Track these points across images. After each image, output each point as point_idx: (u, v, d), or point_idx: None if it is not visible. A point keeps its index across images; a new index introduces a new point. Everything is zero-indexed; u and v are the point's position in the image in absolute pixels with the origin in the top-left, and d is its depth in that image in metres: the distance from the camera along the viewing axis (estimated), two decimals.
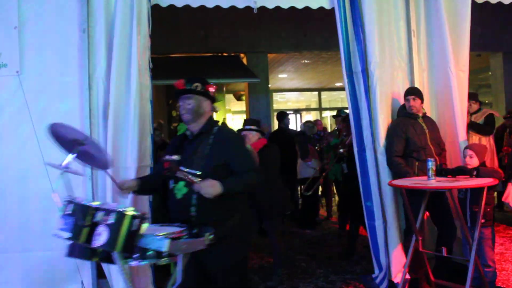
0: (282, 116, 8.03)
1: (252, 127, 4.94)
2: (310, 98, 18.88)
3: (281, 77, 14.56)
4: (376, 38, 4.54)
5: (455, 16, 4.77)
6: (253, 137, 4.84)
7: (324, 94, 18.03)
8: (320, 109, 17.96)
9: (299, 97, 18.80)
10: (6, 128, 4.19)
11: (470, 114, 6.35)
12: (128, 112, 4.18)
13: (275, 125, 9.00)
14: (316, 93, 17.78)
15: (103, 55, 4.25)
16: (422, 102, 4.49)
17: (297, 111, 17.40)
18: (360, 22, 4.57)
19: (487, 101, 17.75)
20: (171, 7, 4.52)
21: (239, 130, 5.09)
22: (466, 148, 4.32)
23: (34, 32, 4.26)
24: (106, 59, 4.25)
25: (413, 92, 4.48)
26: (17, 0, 4.21)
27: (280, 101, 18.54)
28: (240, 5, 4.56)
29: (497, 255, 5.37)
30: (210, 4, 4.52)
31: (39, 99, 4.23)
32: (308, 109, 18.94)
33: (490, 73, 11.63)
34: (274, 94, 16.34)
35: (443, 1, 4.72)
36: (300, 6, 4.67)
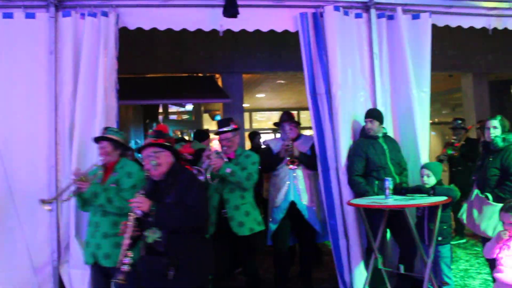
0: (254, 135, 8.03)
1: None
2: None
3: (259, 97, 14.70)
4: (339, 60, 4.66)
5: (416, 40, 4.94)
6: None
7: (304, 113, 18.18)
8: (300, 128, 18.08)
9: (279, 116, 18.93)
10: None
11: None
12: (93, 133, 4.20)
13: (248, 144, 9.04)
14: (296, 112, 17.96)
15: (70, 76, 4.33)
16: (381, 124, 4.57)
17: (276, 130, 17.52)
18: (323, 45, 4.72)
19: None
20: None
21: None
22: (423, 167, 4.44)
23: (5, 54, 4.34)
24: (73, 80, 4.33)
25: (371, 115, 4.57)
26: None
27: (260, 120, 18.65)
28: (206, 28, 4.68)
29: (461, 272, 5.49)
30: (176, 28, 4.64)
31: (7, 120, 4.29)
32: None
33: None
34: (253, 113, 16.45)
35: (404, 26, 4.88)
36: (265, 29, 4.82)
